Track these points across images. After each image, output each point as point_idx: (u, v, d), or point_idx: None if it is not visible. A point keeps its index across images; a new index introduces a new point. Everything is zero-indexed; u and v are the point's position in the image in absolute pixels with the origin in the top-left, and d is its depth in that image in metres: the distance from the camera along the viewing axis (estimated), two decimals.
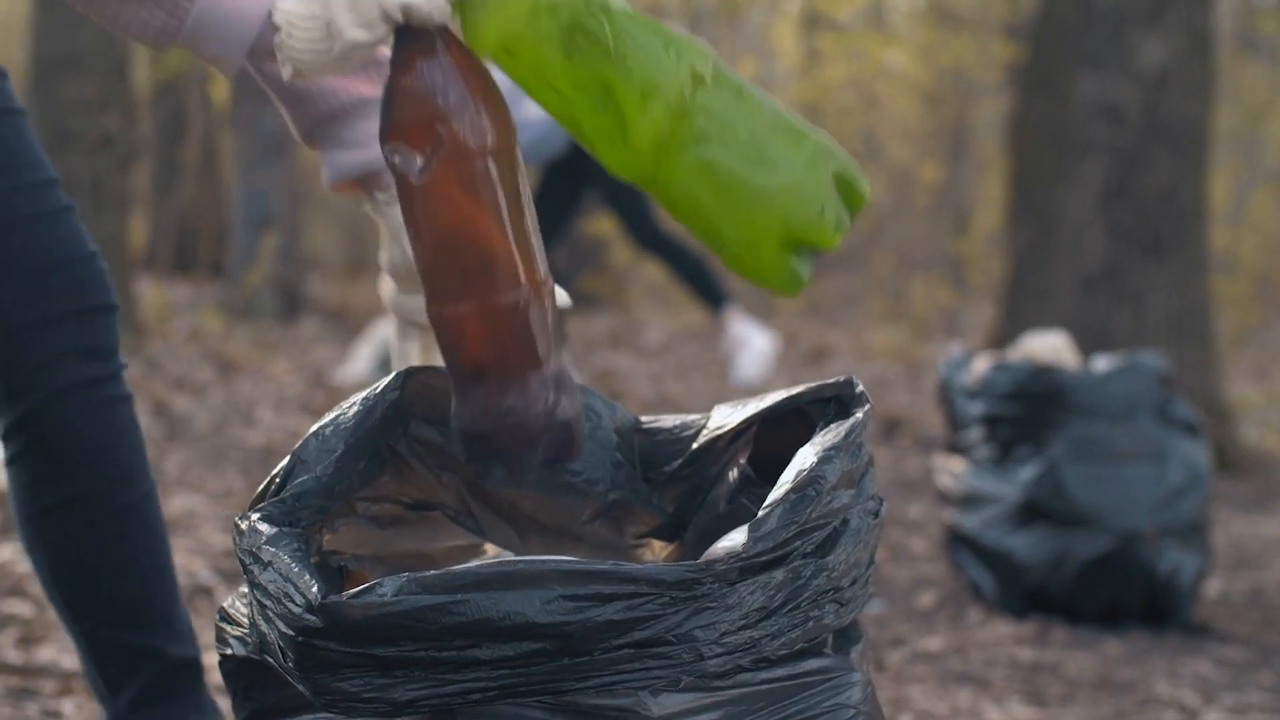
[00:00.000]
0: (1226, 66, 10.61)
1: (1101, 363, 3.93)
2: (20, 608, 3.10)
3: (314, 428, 1.39)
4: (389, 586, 1.20)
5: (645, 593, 1.22)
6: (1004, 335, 7.57)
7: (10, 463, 1.76)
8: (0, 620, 3.03)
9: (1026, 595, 3.74)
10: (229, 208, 10.71)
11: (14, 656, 2.83)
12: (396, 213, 1.50)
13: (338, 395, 6.38)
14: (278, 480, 1.36)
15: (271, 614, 1.25)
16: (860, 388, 1.43)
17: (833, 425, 1.38)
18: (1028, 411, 3.80)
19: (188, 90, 11.84)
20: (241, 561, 1.29)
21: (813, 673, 1.30)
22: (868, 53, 13.03)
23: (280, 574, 1.25)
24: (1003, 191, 9.22)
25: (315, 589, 1.22)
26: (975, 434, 3.90)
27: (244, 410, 6.02)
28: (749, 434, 1.49)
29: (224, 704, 2.22)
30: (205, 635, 2.91)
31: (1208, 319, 6.15)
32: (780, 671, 1.28)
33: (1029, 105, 8.26)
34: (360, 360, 6.83)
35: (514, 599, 1.20)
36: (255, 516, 1.31)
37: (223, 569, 3.50)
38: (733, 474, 1.49)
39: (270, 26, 1.32)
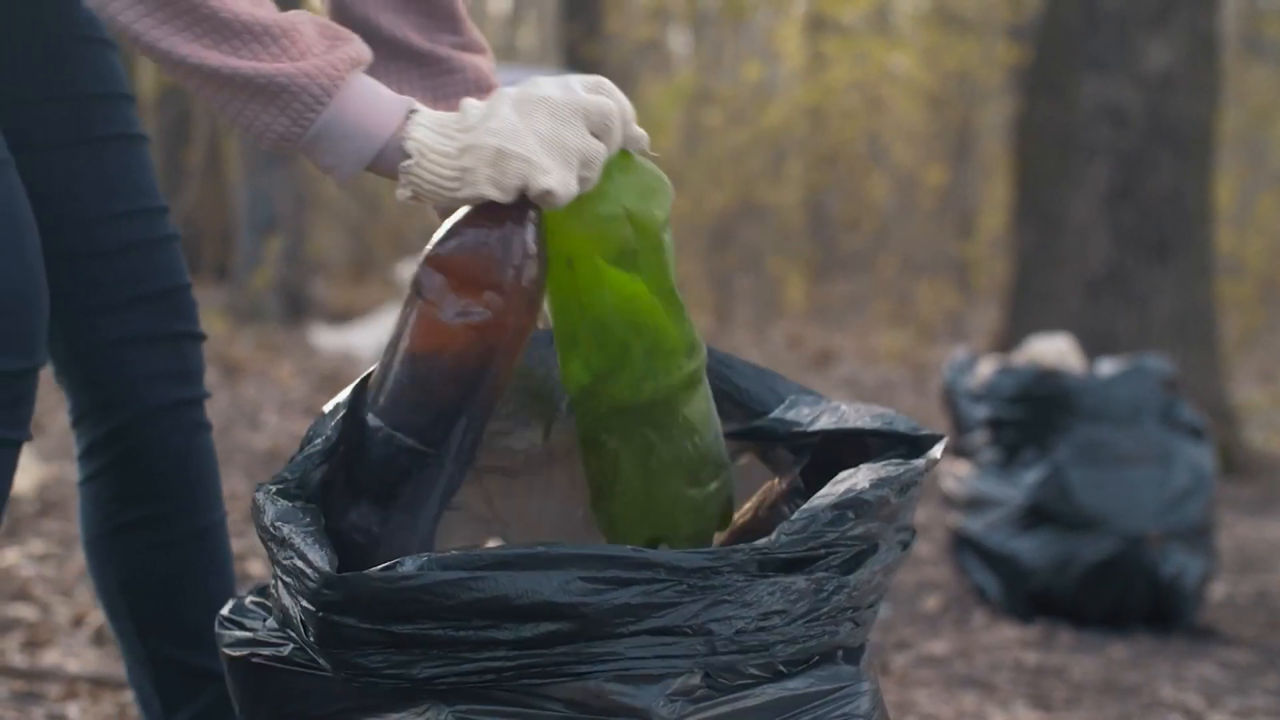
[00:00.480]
0: (1231, 69, 10.60)
1: (1106, 366, 3.93)
2: (25, 611, 3.10)
3: (328, 405, 1.41)
4: (410, 564, 1.22)
5: (663, 578, 1.23)
6: (1009, 338, 7.56)
7: (91, 479, 1.79)
8: (5, 624, 3.03)
9: (1031, 598, 3.74)
10: (234, 211, 10.72)
11: (19, 660, 2.83)
12: None
13: None
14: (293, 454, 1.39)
15: (294, 590, 1.27)
16: (942, 442, 1.45)
17: (896, 459, 1.40)
18: (1032, 415, 3.80)
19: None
20: (261, 539, 1.31)
21: (822, 682, 1.30)
22: (872, 55, 13.02)
23: (294, 551, 1.27)
24: (1007, 194, 9.21)
25: (327, 564, 1.24)
26: (980, 437, 3.90)
27: (249, 413, 6.02)
28: (812, 446, 1.49)
29: None
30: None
31: (1213, 322, 6.14)
32: (790, 681, 1.29)
33: (1033, 108, 8.26)
34: (355, 334, 6.78)
35: (533, 578, 1.21)
36: (272, 489, 1.33)
37: None
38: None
39: (396, 148, 1.31)
